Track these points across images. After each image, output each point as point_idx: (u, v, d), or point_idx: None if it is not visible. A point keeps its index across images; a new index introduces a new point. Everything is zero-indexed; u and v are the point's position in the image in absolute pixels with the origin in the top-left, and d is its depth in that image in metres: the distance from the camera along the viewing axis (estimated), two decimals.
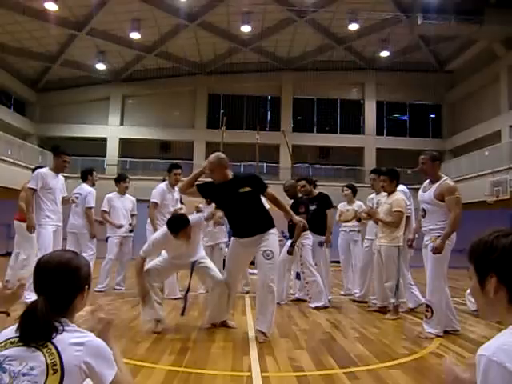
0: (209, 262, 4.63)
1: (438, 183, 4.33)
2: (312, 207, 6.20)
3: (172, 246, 4.21)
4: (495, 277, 1.14)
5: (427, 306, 4.28)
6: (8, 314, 1.62)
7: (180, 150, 23.75)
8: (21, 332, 1.35)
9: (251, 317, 5.08)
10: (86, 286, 1.51)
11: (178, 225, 4.05)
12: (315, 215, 6.13)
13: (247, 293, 6.81)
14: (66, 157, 5.42)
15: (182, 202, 6.42)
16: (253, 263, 9.17)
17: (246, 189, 4.01)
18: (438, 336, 4.18)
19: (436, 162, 4.41)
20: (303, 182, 6.38)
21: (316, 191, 6.45)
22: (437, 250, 4.19)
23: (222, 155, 4.17)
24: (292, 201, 6.15)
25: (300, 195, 6.24)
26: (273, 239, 4.07)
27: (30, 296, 4.66)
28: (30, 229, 5.21)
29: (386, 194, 5.71)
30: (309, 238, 6.00)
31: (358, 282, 6.53)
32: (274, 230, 4.13)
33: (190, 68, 23.28)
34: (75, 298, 1.47)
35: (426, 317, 4.28)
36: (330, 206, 6.29)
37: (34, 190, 5.19)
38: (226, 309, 4.45)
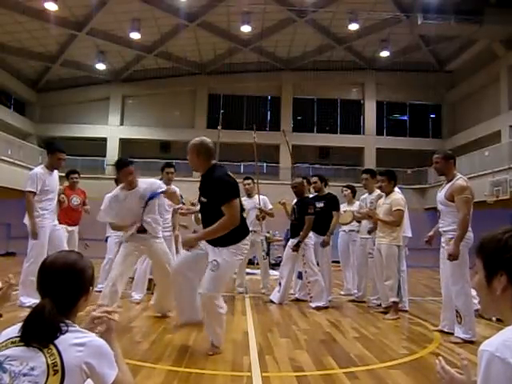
0: (165, 247, 4.64)
1: (450, 183, 4.29)
2: (319, 205, 6.23)
3: (123, 204, 4.43)
4: (505, 276, 1.13)
5: (456, 311, 4.16)
6: (0, 316, 1.62)
7: (180, 150, 23.68)
8: (24, 332, 1.34)
9: (251, 317, 5.08)
10: (91, 288, 1.52)
11: (122, 163, 4.63)
12: (321, 214, 6.15)
13: (240, 293, 6.80)
14: (62, 154, 5.29)
15: (183, 203, 6.42)
16: (252, 263, 9.21)
17: (203, 199, 3.50)
18: (469, 341, 4.01)
19: (450, 161, 4.37)
20: (315, 179, 6.45)
21: (326, 190, 6.50)
22: (451, 257, 4.08)
23: (198, 140, 3.52)
24: (297, 199, 6.15)
25: (306, 195, 6.27)
26: (225, 256, 3.38)
27: (28, 300, 4.65)
28: (34, 235, 5.00)
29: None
30: (310, 238, 6.02)
31: (355, 282, 6.57)
32: (231, 247, 3.40)
33: (190, 68, 23.28)
34: (79, 300, 1.47)
35: (457, 322, 4.14)
36: (338, 207, 6.33)
37: (35, 193, 5.10)
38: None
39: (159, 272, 4.61)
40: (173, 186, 6.11)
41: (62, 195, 5.77)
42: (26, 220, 5.18)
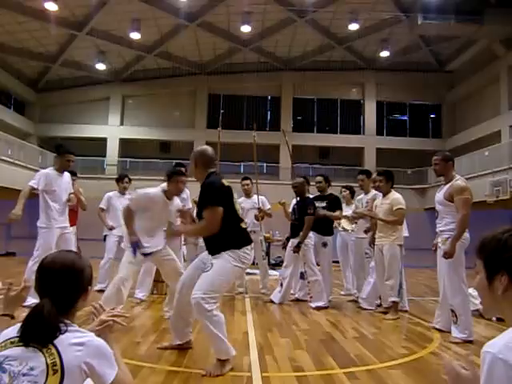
0: (170, 252, 4.50)
1: (449, 184, 4.32)
2: (321, 205, 6.26)
3: (154, 206, 4.22)
4: (506, 275, 1.12)
5: (452, 310, 4.19)
6: (13, 317, 1.62)
7: (180, 150, 23.73)
8: (23, 332, 1.34)
9: (251, 317, 5.08)
10: (89, 287, 1.52)
11: (180, 171, 4.33)
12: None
13: (240, 293, 6.80)
14: (70, 156, 5.39)
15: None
16: (252, 263, 9.20)
17: (198, 211, 3.39)
18: (466, 341, 4.02)
19: (449, 162, 4.42)
20: (320, 179, 6.48)
21: (328, 191, 6.56)
22: (447, 255, 4.12)
23: (199, 149, 3.54)
24: (298, 198, 6.15)
25: (307, 195, 6.27)
26: (222, 259, 3.20)
27: (29, 299, 4.65)
28: (14, 215, 4.88)
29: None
30: (310, 238, 6.02)
31: (354, 283, 6.58)
32: (226, 253, 3.21)
33: (190, 68, 23.28)
34: (78, 299, 1.47)
35: (453, 322, 4.17)
36: (341, 207, 6.40)
37: (34, 188, 5.16)
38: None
39: (171, 276, 4.44)
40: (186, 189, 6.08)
41: (71, 195, 5.79)
42: (39, 222, 5.22)
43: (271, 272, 8.33)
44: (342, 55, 22.52)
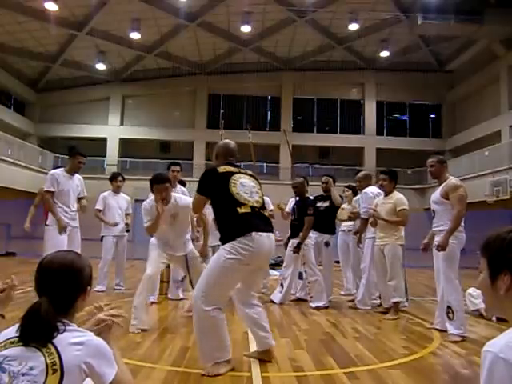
0: (197, 254, 4.51)
1: (444, 183, 4.43)
2: (324, 204, 6.27)
3: (152, 215, 4.19)
4: (510, 275, 1.12)
5: (448, 307, 4.26)
6: (3, 317, 1.62)
7: (180, 150, 23.77)
8: (22, 332, 1.34)
9: None
10: (88, 287, 1.51)
11: (158, 178, 4.14)
12: (325, 213, 6.17)
13: None
14: (82, 158, 5.46)
15: None
16: None
17: None
18: (462, 337, 4.11)
19: (444, 165, 4.57)
20: (327, 179, 6.48)
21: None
22: (439, 247, 4.21)
23: (221, 141, 3.59)
24: (297, 198, 6.15)
25: (307, 195, 6.27)
26: (216, 255, 3.14)
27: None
28: (62, 229, 5.14)
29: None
30: (310, 238, 6.02)
31: (354, 283, 6.58)
32: (223, 248, 3.07)
33: (190, 68, 23.30)
34: (77, 299, 1.47)
35: (449, 318, 4.24)
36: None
37: (52, 192, 5.22)
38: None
39: (195, 277, 4.42)
40: (180, 187, 6.05)
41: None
42: (49, 221, 5.26)
43: (271, 272, 8.32)
44: (342, 55, 22.54)
